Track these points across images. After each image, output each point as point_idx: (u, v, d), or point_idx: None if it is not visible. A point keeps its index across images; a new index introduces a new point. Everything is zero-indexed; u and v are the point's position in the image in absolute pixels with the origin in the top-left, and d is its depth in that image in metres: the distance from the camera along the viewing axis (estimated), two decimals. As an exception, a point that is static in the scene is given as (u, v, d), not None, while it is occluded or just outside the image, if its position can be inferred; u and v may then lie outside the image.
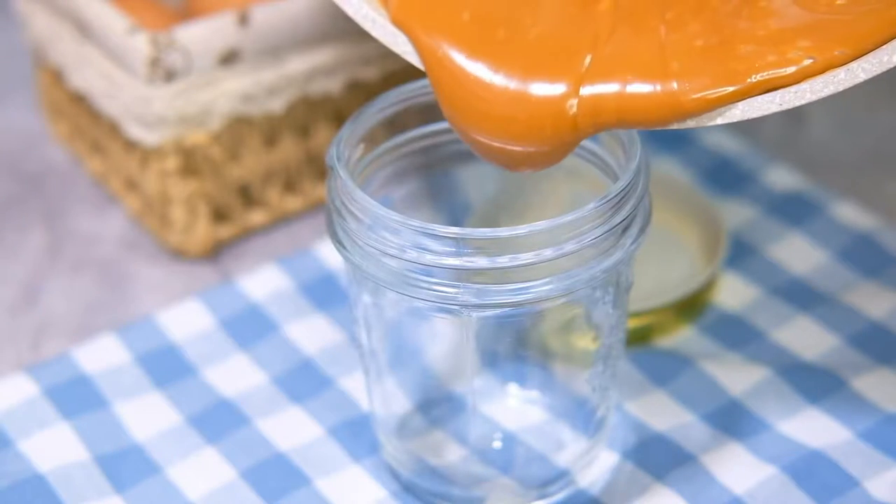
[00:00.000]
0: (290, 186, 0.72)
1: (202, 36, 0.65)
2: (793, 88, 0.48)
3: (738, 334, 0.64)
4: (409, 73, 0.71)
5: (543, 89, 0.49)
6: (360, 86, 0.71)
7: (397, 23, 0.52)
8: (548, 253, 0.49)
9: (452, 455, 0.58)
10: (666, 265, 0.67)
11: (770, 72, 0.48)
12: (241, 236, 0.71)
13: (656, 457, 0.58)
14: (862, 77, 0.48)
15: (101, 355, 0.63)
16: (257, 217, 0.71)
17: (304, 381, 0.62)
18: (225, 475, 0.58)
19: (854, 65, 0.48)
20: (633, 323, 0.63)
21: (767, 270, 0.67)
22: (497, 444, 0.58)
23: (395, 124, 0.56)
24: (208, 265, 0.70)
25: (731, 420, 0.59)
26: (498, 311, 0.52)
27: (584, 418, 0.57)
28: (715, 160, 0.74)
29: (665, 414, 0.60)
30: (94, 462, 0.59)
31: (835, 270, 0.67)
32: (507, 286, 0.50)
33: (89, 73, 0.69)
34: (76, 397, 0.61)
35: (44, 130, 0.79)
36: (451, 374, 0.59)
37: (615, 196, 0.50)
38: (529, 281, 0.50)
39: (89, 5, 0.67)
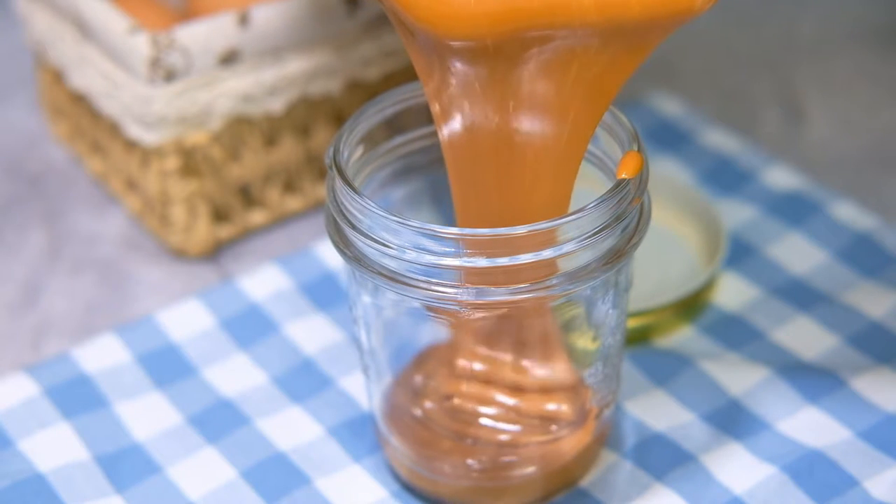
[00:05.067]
0: (290, 186, 0.72)
1: (202, 36, 0.65)
2: None
3: (737, 334, 0.64)
4: (409, 74, 0.71)
5: None
6: (360, 86, 0.71)
7: None
8: (547, 253, 0.49)
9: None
10: (666, 265, 0.67)
11: None
12: (241, 236, 0.71)
13: (656, 456, 0.58)
14: None
15: (101, 355, 0.63)
16: (257, 217, 0.71)
17: (304, 381, 0.62)
18: (225, 475, 0.58)
19: None
20: (633, 323, 0.63)
21: (767, 270, 0.67)
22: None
23: (395, 124, 0.56)
24: (208, 265, 0.70)
25: (731, 420, 0.59)
26: (498, 311, 0.52)
27: (584, 418, 0.57)
28: (715, 160, 0.74)
29: (665, 414, 0.60)
30: (94, 462, 0.59)
31: (834, 270, 0.67)
32: (507, 286, 0.50)
33: (89, 73, 0.69)
34: (76, 397, 0.61)
35: (44, 130, 0.79)
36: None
37: (614, 196, 0.50)
38: (529, 281, 0.50)
39: (89, 5, 0.67)
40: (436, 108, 0.52)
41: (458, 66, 0.50)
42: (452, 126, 0.52)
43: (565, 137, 0.52)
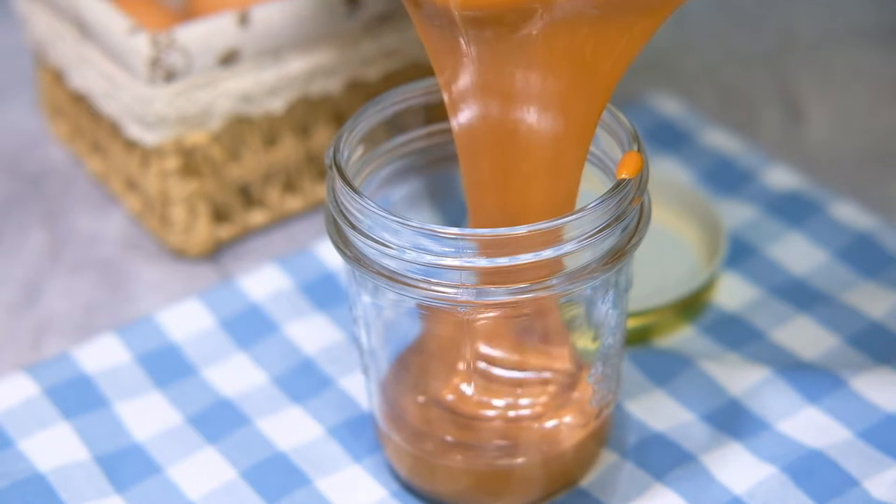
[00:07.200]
0: (290, 186, 0.72)
1: (202, 36, 0.65)
2: None
3: (738, 334, 0.64)
4: (409, 73, 0.71)
5: None
6: (360, 86, 0.71)
7: None
8: (547, 253, 0.49)
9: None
10: (666, 265, 0.67)
11: None
12: (241, 236, 0.71)
13: (656, 456, 0.58)
14: None
15: (101, 355, 0.63)
16: (257, 217, 0.71)
17: (304, 381, 0.62)
18: (225, 475, 0.58)
19: None
20: (633, 323, 0.63)
21: (767, 270, 0.67)
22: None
23: (395, 124, 0.56)
24: (208, 265, 0.70)
25: (731, 420, 0.59)
26: (498, 311, 0.52)
27: (584, 417, 0.57)
28: (715, 160, 0.74)
29: (665, 413, 0.60)
30: (94, 462, 0.59)
31: (835, 270, 0.67)
32: (506, 286, 0.50)
33: (89, 73, 0.69)
34: (76, 397, 0.61)
35: (44, 130, 0.79)
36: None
37: (614, 196, 0.50)
38: (529, 281, 0.50)
39: (90, 5, 0.67)
40: (448, 96, 0.52)
41: (468, 40, 0.50)
42: (464, 114, 0.52)
43: (573, 123, 0.52)
